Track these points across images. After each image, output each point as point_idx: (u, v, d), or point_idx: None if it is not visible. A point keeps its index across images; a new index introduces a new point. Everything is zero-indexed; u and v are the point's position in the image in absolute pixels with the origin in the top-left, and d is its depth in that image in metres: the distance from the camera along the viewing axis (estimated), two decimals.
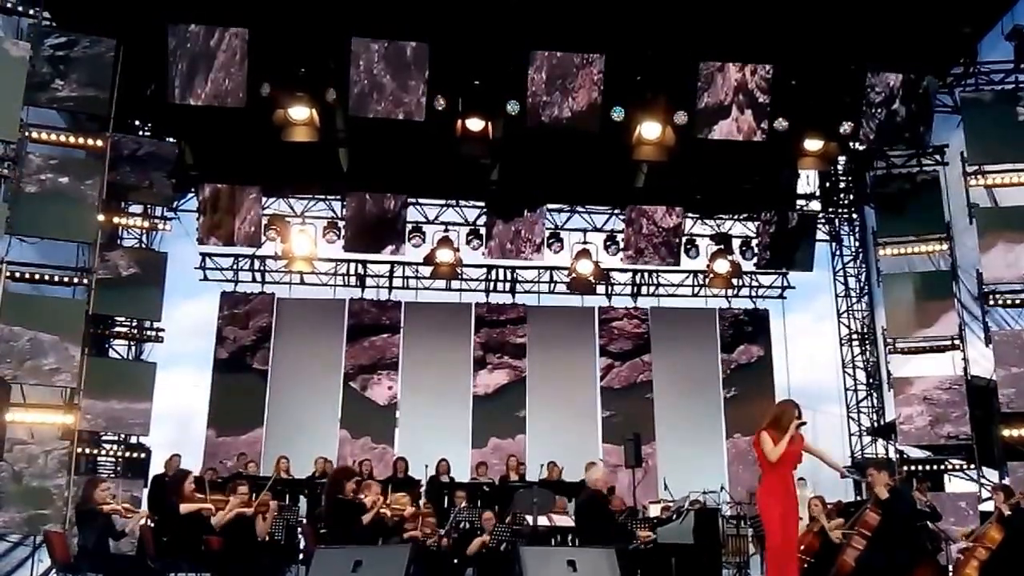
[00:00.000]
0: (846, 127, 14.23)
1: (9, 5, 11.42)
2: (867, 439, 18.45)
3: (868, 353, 18.81)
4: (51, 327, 12.11)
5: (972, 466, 15.03)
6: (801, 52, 14.32)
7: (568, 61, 13.93)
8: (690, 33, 13.95)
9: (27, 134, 12.24)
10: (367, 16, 13.80)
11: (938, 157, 16.19)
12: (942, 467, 15.45)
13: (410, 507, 11.55)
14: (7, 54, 11.36)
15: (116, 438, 15.01)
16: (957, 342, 15.40)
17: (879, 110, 14.45)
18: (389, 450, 17.35)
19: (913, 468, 15.31)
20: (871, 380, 18.70)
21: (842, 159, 18.01)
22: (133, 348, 16.06)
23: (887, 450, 17.75)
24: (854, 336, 19.04)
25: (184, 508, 9.65)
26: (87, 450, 14.14)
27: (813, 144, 14.54)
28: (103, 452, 14.84)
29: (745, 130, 14.34)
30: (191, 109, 14.05)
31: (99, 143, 12.98)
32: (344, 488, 9.98)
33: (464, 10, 13.72)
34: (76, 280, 12.82)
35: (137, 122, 15.66)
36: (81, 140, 12.96)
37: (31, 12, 11.70)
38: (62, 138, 12.85)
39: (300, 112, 13.70)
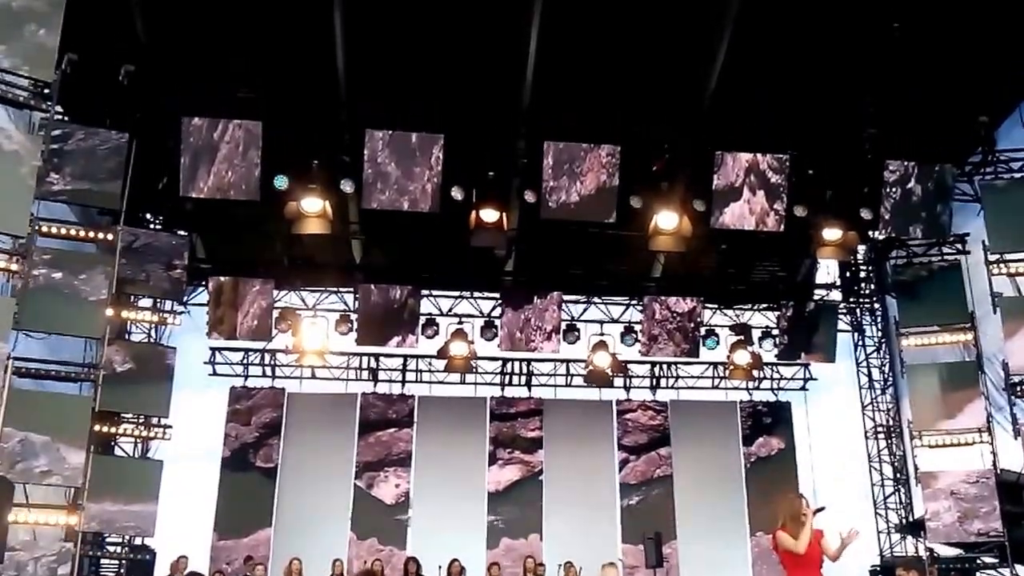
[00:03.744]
0: (865, 214, 14.13)
1: (21, 99, 11.36)
2: (896, 536, 17.84)
3: (894, 446, 18.32)
4: (54, 425, 11.80)
5: (1005, 564, 14.48)
6: (818, 142, 14.30)
7: (575, 146, 13.87)
8: (707, 123, 13.95)
9: (37, 228, 12.13)
10: (384, 109, 13.92)
11: (959, 246, 16.02)
12: (974, 565, 14.90)
13: None
14: (17, 148, 11.28)
15: (120, 539, 14.62)
16: (985, 434, 15.02)
17: (894, 189, 14.35)
18: (396, 552, 16.77)
19: (944, 567, 14.76)
20: (898, 475, 18.17)
21: (862, 248, 17.83)
22: (139, 445, 15.71)
23: (917, 548, 17.14)
24: (879, 429, 18.55)
25: None
26: (90, 552, 13.73)
27: (832, 233, 14.39)
28: (106, 553, 14.41)
29: (758, 212, 14.24)
30: (205, 202, 14.10)
31: (109, 236, 12.90)
32: None
33: (481, 103, 13.90)
34: (82, 376, 12.60)
35: (149, 215, 15.63)
36: (91, 234, 12.87)
37: (44, 106, 11.63)
38: (71, 232, 12.76)
39: (313, 204, 13.67)
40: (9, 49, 10.85)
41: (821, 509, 7.96)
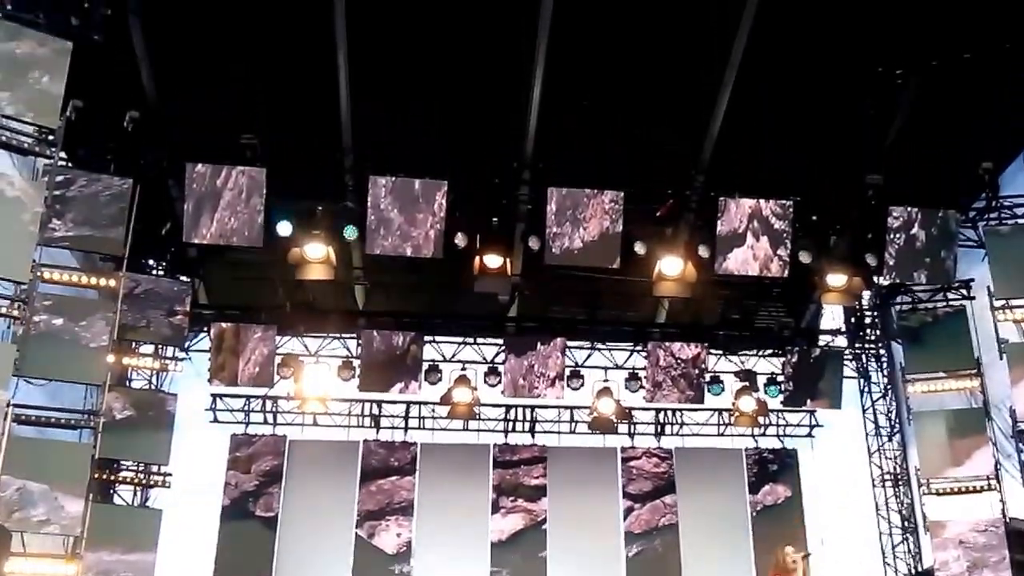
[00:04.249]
0: (870, 260, 14.11)
1: (26, 145, 11.38)
2: None
3: (902, 494, 18.12)
4: (53, 473, 11.65)
5: None
6: (822, 187, 14.33)
7: (579, 192, 13.89)
8: (710, 169, 14.00)
9: (39, 274, 12.10)
10: (388, 155, 13.92)
11: (964, 291, 15.99)
12: None
13: None
14: (20, 195, 11.27)
15: None
16: (993, 482, 14.90)
17: (898, 235, 14.23)
18: None
19: None
20: (907, 523, 17.93)
21: (867, 294, 17.74)
22: (139, 493, 15.57)
23: None
24: (887, 477, 18.36)
25: None
26: None
27: (836, 279, 14.34)
28: None
29: (761, 258, 14.11)
30: (208, 247, 14.20)
31: (111, 283, 12.84)
32: None
33: (484, 149, 14.04)
34: (82, 423, 12.50)
35: (151, 261, 15.62)
36: (93, 280, 12.82)
37: (48, 153, 11.65)
38: (73, 278, 12.69)
39: (316, 250, 13.67)
40: (13, 96, 10.88)
41: (807, 555, 7.96)
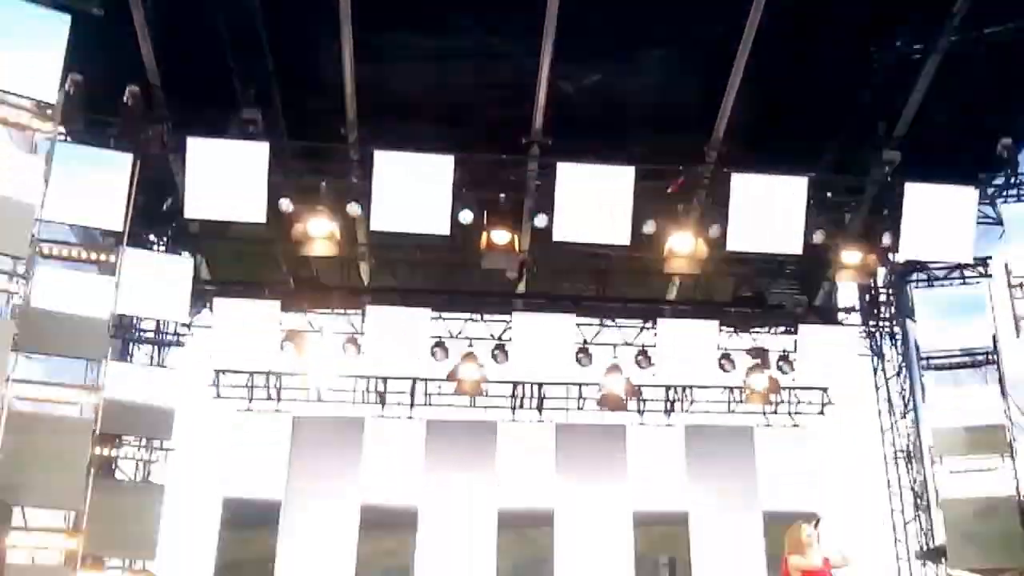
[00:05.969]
0: (886, 238, 13.86)
1: (23, 120, 11.17)
2: (916, 563, 17.42)
3: (915, 472, 17.91)
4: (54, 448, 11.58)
5: None
6: (837, 165, 14.06)
7: (588, 168, 13.59)
8: (723, 145, 13.72)
9: (38, 250, 11.94)
10: (393, 130, 13.68)
11: (981, 269, 15.76)
12: None
13: None
14: (18, 170, 11.11)
15: (121, 563, 14.53)
16: (1007, 457, 15.03)
17: (914, 212, 13.95)
18: None
19: None
20: (919, 501, 17.74)
21: (882, 271, 17.50)
22: (140, 469, 15.51)
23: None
24: (899, 455, 18.16)
25: None
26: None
27: (851, 256, 14.16)
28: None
29: (774, 235, 13.84)
30: (210, 223, 13.98)
31: (111, 258, 12.69)
32: None
33: (491, 124, 13.77)
34: (83, 399, 12.39)
35: (152, 236, 15.42)
36: (92, 255, 12.67)
37: (47, 127, 11.45)
38: (72, 253, 12.56)
39: (320, 226, 13.48)
40: (11, 70, 10.69)
41: (819, 520, 7.96)
